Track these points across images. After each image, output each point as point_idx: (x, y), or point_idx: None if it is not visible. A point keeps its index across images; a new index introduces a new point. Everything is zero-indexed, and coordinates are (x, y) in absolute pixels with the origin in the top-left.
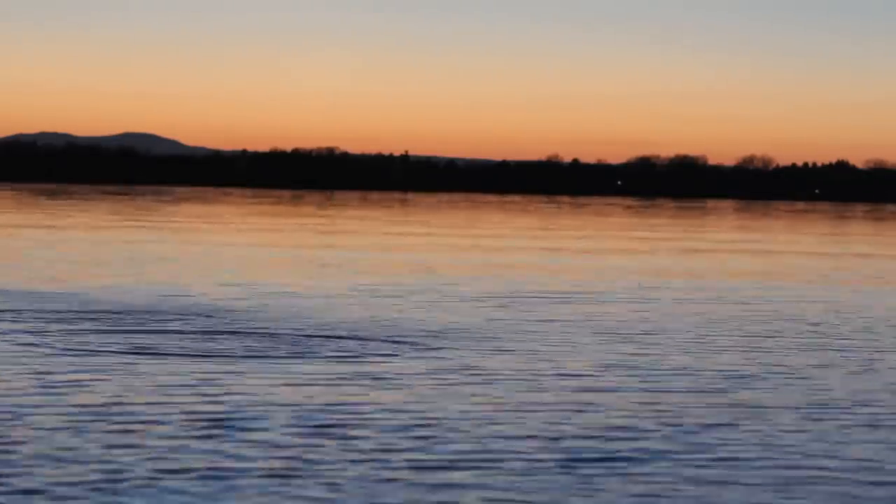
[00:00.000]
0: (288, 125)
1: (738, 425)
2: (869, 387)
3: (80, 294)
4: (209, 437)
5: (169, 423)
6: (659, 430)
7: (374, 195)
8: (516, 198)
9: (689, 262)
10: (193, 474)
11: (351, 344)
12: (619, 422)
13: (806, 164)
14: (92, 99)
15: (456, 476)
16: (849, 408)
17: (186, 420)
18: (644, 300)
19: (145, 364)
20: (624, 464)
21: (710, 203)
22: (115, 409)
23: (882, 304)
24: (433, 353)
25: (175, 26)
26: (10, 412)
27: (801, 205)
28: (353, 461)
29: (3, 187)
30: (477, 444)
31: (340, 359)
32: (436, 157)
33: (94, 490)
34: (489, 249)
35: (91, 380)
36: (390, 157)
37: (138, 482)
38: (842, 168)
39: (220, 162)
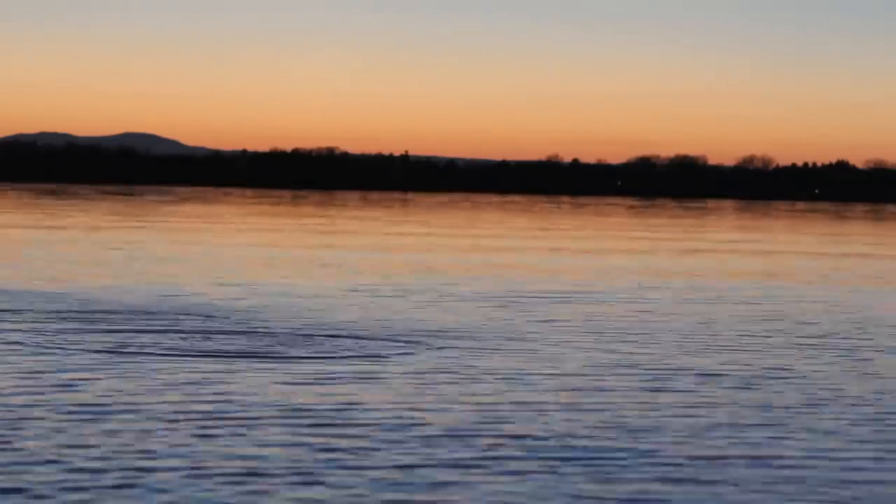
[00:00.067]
0: (288, 125)
1: (737, 425)
2: (869, 387)
3: (79, 294)
4: (208, 435)
5: (167, 421)
6: (659, 431)
7: (374, 195)
8: (516, 198)
9: (689, 262)
10: (191, 472)
11: (350, 344)
12: (618, 422)
13: (806, 164)
14: (92, 99)
15: (455, 476)
16: (849, 408)
17: (185, 418)
18: (644, 300)
19: (145, 363)
20: (623, 463)
21: (710, 203)
22: (114, 407)
23: (882, 304)
24: (433, 353)
25: (175, 26)
26: (8, 411)
27: (801, 205)
28: (352, 460)
29: (3, 187)
30: (476, 444)
31: (340, 358)
32: (436, 157)
33: (94, 489)
34: (489, 249)
35: (90, 378)
36: (390, 157)
37: (138, 481)
38: (842, 168)
39: (220, 162)
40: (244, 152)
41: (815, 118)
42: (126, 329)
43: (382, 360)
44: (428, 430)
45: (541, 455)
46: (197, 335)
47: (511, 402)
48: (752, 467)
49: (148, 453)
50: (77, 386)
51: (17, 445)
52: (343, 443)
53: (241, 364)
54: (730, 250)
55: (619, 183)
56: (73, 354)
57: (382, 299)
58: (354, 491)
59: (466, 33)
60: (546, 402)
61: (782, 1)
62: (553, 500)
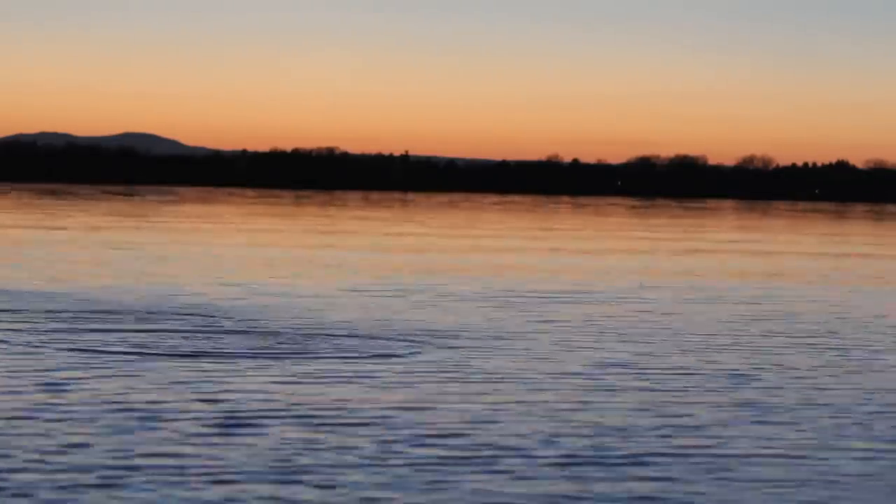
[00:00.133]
0: (288, 125)
1: (737, 425)
2: (868, 386)
3: (80, 294)
4: (208, 435)
5: (168, 421)
6: (659, 430)
7: (375, 195)
8: (516, 198)
9: (689, 262)
10: (192, 472)
11: (350, 343)
12: (618, 422)
13: (806, 164)
14: (92, 99)
15: (455, 476)
16: (848, 407)
17: (186, 419)
18: (644, 300)
19: (145, 363)
20: (623, 464)
21: (711, 203)
22: (114, 407)
23: (882, 304)
24: (433, 353)
25: (175, 26)
26: (9, 411)
27: (801, 205)
28: (352, 460)
29: (3, 187)
30: (476, 444)
31: (340, 358)
32: (436, 157)
33: (93, 488)
34: (489, 250)
35: (90, 378)
36: (390, 157)
37: (137, 480)
38: (842, 168)
39: (220, 162)
40: (244, 152)
41: (815, 118)
42: (126, 329)
43: (382, 360)
44: (428, 430)
45: (541, 455)
46: (197, 335)
47: (511, 402)
48: (752, 467)
49: (147, 452)
50: (76, 385)
51: (16, 444)
52: (343, 442)
53: (240, 364)
54: (730, 250)
55: (619, 183)
56: (73, 354)
57: (382, 299)
58: (355, 491)
59: (466, 33)
60: (546, 403)
61: (782, 1)
62: (553, 500)
